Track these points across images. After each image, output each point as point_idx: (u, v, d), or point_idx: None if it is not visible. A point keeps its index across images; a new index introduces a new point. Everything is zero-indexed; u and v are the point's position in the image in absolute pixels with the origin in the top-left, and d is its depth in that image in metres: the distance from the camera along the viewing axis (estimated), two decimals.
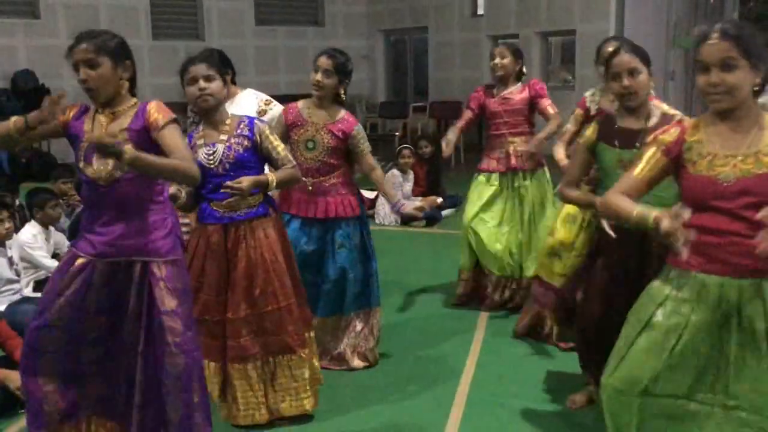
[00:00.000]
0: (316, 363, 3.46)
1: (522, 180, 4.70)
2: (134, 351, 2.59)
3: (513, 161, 4.66)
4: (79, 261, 2.58)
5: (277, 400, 3.28)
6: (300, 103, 3.86)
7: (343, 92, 3.80)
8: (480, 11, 12.91)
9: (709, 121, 2.27)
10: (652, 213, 2.13)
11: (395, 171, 7.84)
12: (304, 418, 3.40)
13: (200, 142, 3.14)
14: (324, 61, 3.70)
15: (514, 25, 12.02)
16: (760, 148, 2.18)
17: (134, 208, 2.55)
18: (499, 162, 4.72)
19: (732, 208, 2.10)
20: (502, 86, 4.68)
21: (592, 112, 4.03)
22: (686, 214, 2.11)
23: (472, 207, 4.78)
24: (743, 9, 11.05)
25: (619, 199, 2.27)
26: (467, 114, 4.83)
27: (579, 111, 4.11)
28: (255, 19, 13.56)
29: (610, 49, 3.56)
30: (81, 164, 2.57)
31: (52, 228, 4.80)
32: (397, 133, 12.24)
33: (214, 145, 3.12)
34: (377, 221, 7.57)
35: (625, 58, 2.91)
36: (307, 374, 3.30)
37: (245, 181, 2.93)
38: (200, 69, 3.05)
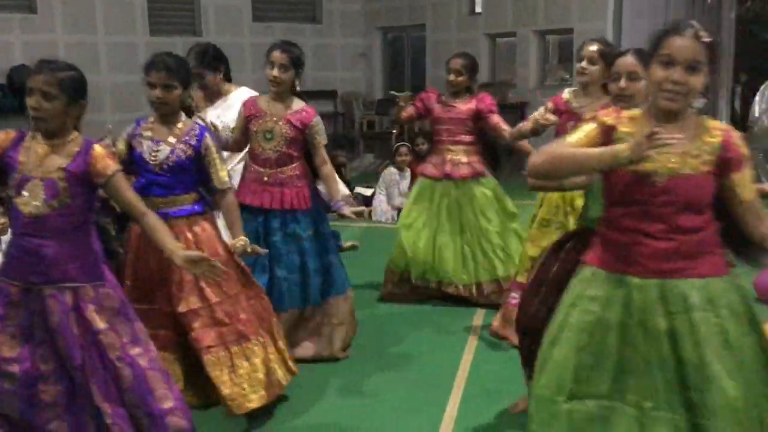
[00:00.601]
0: (284, 350, 3.47)
1: (459, 187, 4.82)
2: (85, 375, 2.60)
3: (448, 168, 4.77)
4: (12, 289, 2.60)
5: (239, 389, 3.29)
6: (259, 97, 3.93)
7: (298, 84, 3.86)
8: (478, 9, 12.89)
9: (645, 116, 2.22)
10: (621, 145, 2.04)
11: (392, 169, 7.84)
12: (296, 414, 3.40)
13: (147, 134, 3.23)
14: (279, 56, 3.79)
15: (512, 24, 12.01)
16: (689, 150, 2.16)
17: (61, 238, 2.57)
18: (435, 167, 4.82)
19: (651, 207, 2.08)
20: (452, 97, 4.87)
21: (563, 109, 4.09)
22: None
23: (407, 209, 4.96)
24: (740, 9, 11.06)
25: (561, 147, 2.16)
26: (412, 108, 4.98)
27: (551, 104, 4.16)
28: (252, 15, 13.52)
29: (592, 48, 3.64)
30: (12, 193, 2.60)
31: None
32: (394, 131, 12.23)
33: (160, 143, 3.22)
34: (374, 218, 7.57)
35: (629, 61, 2.90)
36: (259, 360, 3.32)
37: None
38: (161, 77, 3.12)
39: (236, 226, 3.32)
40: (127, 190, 2.63)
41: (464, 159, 4.79)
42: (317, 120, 3.86)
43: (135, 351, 2.63)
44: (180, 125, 3.22)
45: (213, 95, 4.10)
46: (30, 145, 2.57)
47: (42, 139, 2.57)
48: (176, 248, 2.68)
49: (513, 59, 12.38)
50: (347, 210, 3.90)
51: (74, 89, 2.55)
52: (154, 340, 3.13)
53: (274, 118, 3.80)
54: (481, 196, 4.82)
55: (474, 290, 4.83)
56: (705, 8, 10.79)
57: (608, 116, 2.25)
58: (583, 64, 3.82)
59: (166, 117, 3.21)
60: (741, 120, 11.05)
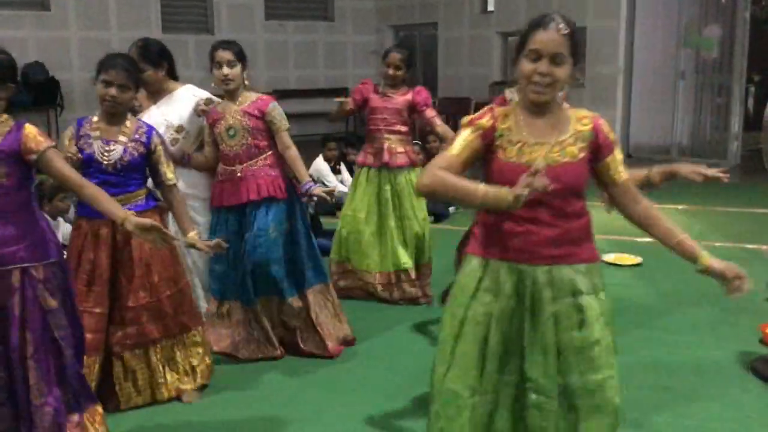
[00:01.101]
0: (209, 343, 3.69)
1: (395, 175, 4.93)
2: (23, 356, 2.62)
3: (386, 157, 4.88)
4: None
5: (174, 378, 3.50)
6: (216, 104, 3.94)
7: (246, 78, 3.87)
8: (490, 7, 12.88)
9: (519, 110, 2.31)
10: (504, 189, 2.10)
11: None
12: (301, 409, 3.42)
13: (96, 134, 3.26)
14: (223, 54, 3.79)
15: (524, 22, 11.98)
16: (565, 138, 2.25)
17: (4, 218, 2.59)
18: (374, 156, 4.95)
19: (537, 195, 2.10)
20: (389, 88, 4.94)
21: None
22: (540, 167, 2.06)
23: (349, 200, 5.03)
24: (755, 9, 10.99)
25: (450, 176, 2.21)
26: (350, 101, 5.09)
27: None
28: (265, 13, 13.55)
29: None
30: None
31: (60, 219, 4.83)
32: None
33: (110, 143, 3.27)
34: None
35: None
36: (201, 350, 3.57)
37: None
38: (119, 77, 3.18)
39: (186, 219, 3.44)
40: (62, 165, 2.66)
41: (400, 148, 4.91)
42: (273, 105, 3.89)
43: (74, 333, 2.72)
44: (128, 124, 3.30)
45: (155, 93, 4.01)
46: None
47: None
48: (126, 215, 2.71)
49: None
50: (318, 190, 3.91)
51: (2, 73, 2.58)
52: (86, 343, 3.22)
53: (232, 114, 3.83)
54: (409, 184, 4.93)
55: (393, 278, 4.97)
56: (719, 7, 10.73)
57: (483, 118, 2.32)
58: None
59: (115, 117, 3.27)
60: (754, 119, 10.99)
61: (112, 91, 3.19)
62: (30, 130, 2.59)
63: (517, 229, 2.24)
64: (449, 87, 13.40)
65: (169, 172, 3.39)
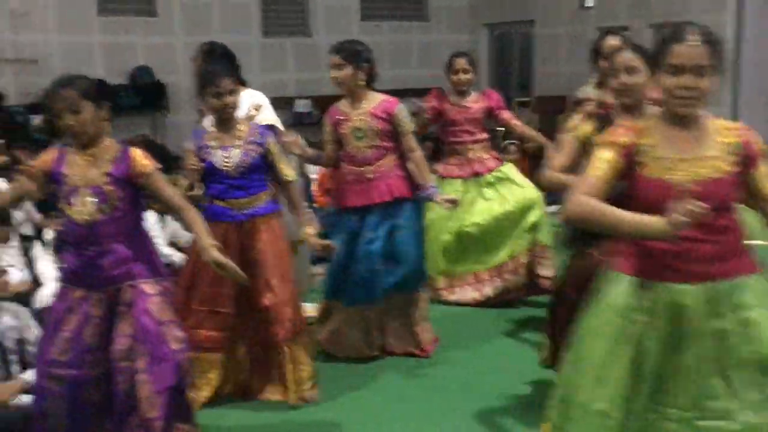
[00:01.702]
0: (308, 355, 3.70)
1: (486, 179, 4.94)
2: (128, 374, 2.71)
3: (476, 167, 4.93)
4: (76, 295, 2.74)
5: (296, 378, 3.56)
6: (339, 102, 3.95)
7: (364, 78, 3.85)
8: (589, 3, 12.54)
9: (658, 124, 2.23)
10: (658, 220, 2.04)
11: None
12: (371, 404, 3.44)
13: (213, 143, 3.36)
14: (332, 58, 3.81)
15: (625, 17, 11.61)
16: (712, 153, 2.17)
17: (117, 241, 2.70)
18: (462, 168, 4.95)
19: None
20: (460, 96, 4.95)
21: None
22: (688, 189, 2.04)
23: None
24: None
25: (599, 204, 2.16)
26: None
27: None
28: (361, 14, 13.68)
29: (612, 43, 3.61)
30: (63, 206, 2.74)
31: (168, 217, 5.01)
32: (501, 128, 12.09)
33: (229, 149, 3.38)
34: None
35: (627, 56, 2.92)
36: (306, 359, 3.61)
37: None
38: (228, 84, 3.25)
39: (304, 215, 3.52)
40: (165, 186, 2.78)
41: (485, 155, 4.85)
42: (400, 107, 3.90)
43: (180, 346, 2.77)
44: (242, 127, 3.39)
45: None
46: (72, 158, 2.73)
47: (82, 152, 2.72)
48: (210, 246, 2.76)
49: None
50: (439, 197, 3.84)
51: (97, 95, 2.72)
52: (209, 341, 3.42)
53: (359, 116, 3.79)
54: (505, 176, 4.96)
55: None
56: None
57: (622, 137, 2.25)
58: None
59: (228, 122, 3.37)
60: None
61: (225, 99, 3.26)
62: (136, 153, 2.71)
63: (672, 249, 2.18)
64: (546, 85, 13.14)
65: (286, 168, 3.44)
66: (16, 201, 2.94)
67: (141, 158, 2.71)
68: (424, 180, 3.95)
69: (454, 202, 3.95)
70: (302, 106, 11.27)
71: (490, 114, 4.96)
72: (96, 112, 2.68)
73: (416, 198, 4.00)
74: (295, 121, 10.61)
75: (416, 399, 3.62)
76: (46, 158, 2.76)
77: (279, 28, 12.88)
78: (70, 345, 2.67)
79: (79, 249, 2.73)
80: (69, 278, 2.77)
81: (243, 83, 3.95)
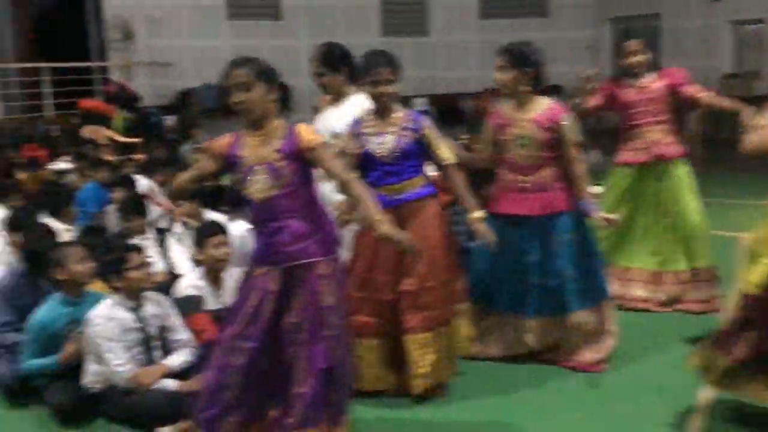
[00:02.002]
0: (463, 334, 3.63)
1: (668, 168, 4.55)
2: (293, 347, 2.77)
3: (658, 149, 4.52)
4: (258, 272, 2.82)
5: (425, 370, 3.43)
6: (503, 105, 3.86)
7: (528, 82, 3.71)
8: None
9: None
10: None
11: None
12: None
13: (369, 131, 3.39)
14: (496, 60, 3.72)
15: (759, 9, 11.00)
16: None
17: (293, 217, 2.77)
18: (639, 153, 4.55)
19: None
20: (635, 78, 4.59)
21: None
22: None
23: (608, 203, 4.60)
24: None
25: None
26: (599, 97, 4.70)
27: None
28: (479, 12, 13.63)
29: None
30: (242, 185, 2.83)
31: None
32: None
33: (383, 135, 3.39)
34: None
35: None
36: (450, 345, 3.52)
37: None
38: (387, 72, 3.33)
39: (467, 198, 3.45)
40: (332, 160, 2.81)
41: (669, 138, 4.54)
42: (567, 116, 3.73)
43: (336, 332, 2.81)
44: (397, 114, 3.42)
45: (336, 96, 3.90)
46: (246, 139, 2.83)
47: (253, 133, 2.81)
48: (382, 219, 2.74)
49: (760, 47, 11.33)
50: (597, 214, 3.71)
51: (270, 76, 2.77)
52: (367, 328, 3.39)
53: (523, 123, 3.72)
54: (684, 177, 4.55)
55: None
56: None
57: None
58: None
59: (384, 110, 3.42)
60: None
61: (381, 88, 3.36)
62: (302, 128, 2.80)
63: None
64: None
65: (444, 152, 3.42)
66: (197, 182, 3.06)
67: (307, 133, 2.77)
68: (582, 195, 3.75)
69: (612, 222, 3.76)
70: (420, 104, 11.38)
71: (673, 92, 4.55)
72: (266, 93, 2.77)
73: (577, 210, 3.76)
74: None
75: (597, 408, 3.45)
76: (223, 142, 2.89)
77: (397, 28, 13.04)
78: (250, 320, 2.79)
79: (260, 227, 2.86)
80: (255, 257, 2.89)
81: (358, 83, 3.98)
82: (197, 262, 4.67)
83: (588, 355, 3.83)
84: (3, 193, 5.86)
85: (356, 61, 3.81)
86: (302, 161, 2.77)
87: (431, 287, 3.40)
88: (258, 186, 2.77)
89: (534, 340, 3.85)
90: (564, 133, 3.69)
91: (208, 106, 11.61)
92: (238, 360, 2.76)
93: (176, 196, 3.01)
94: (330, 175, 2.83)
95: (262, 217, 2.82)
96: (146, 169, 7.13)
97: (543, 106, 3.74)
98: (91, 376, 3.42)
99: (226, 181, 7.08)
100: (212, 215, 5.46)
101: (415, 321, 3.40)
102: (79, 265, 3.59)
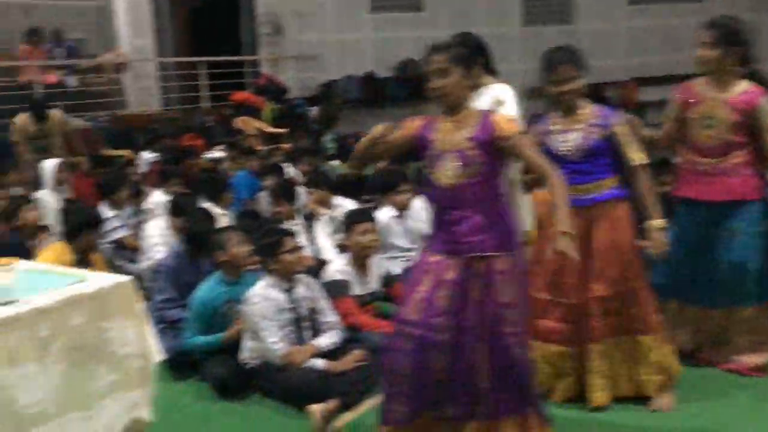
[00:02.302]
0: (667, 350, 3.32)
1: None
2: (473, 344, 2.71)
3: None
4: (433, 259, 2.78)
5: (635, 377, 3.26)
6: (696, 81, 3.62)
7: (734, 61, 3.45)
8: None
9: None
10: None
11: None
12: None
13: (555, 128, 3.26)
14: (702, 35, 3.47)
15: None
16: None
17: (476, 208, 2.71)
18: None
19: None
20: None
21: None
22: None
23: None
24: None
25: None
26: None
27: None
28: None
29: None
30: (429, 170, 2.80)
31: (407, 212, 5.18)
32: None
33: (569, 133, 3.24)
34: None
35: None
36: (655, 357, 3.26)
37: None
38: (565, 71, 3.17)
39: (650, 203, 3.23)
40: (530, 151, 2.73)
41: None
42: (764, 101, 3.44)
43: (523, 329, 2.75)
44: (584, 110, 3.27)
45: (472, 87, 3.84)
46: (440, 124, 2.81)
47: (448, 118, 2.79)
48: (566, 227, 2.64)
49: None
50: None
51: (467, 61, 2.72)
52: (552, 334, 3.26)
53: (715, 103, 3.49)
54: None
55: None
56: None
57: None
58: None
59: (570, 108, 3.26)
60: None
61: (562, 87, 3.22)
62: (499, 117, 2.77)
63: None
64: None
65: (632, 152, 3.22)
66: (381, 155, 3.07)
67: (504, 122, 2.72)
68: None
69: None
70: None
71: None
72: (463, 78, 2.75)
73: (765, 200, 3.52)
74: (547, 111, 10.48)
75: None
76: (415, 124, 2.89)
77: (540, 17, 12.77)
78: (421, 306, 2.76)
79: (441, 214, 2.83)
80: (431, 244, 2.87)
81: (493, 73, 3.91)
82: (342, 248, 4.84)
83: (752, 358, 3.61)
84: (163, 179, 6.29)
85: (491, 51, 3.79)
86: (495, 151, 2.71)
87: (621, 293, 3.22)
88: (446, 172, 2.73)
89: (694, 332, 3.66)
90: (759, 118, 3.45)
91: (350, 98, 11.89)
92: (408, 345, 2.73)
93: (355, 159, 3.00)
94: (530, 166, 2.77)
95: (445, 204, 2.78)
96: (292, 158, 7.43)
97: (741, 88, 3.48)
98: (248, 352, 3.62)
99: (369, 171, 7.30)
100: (344, 202, 5.65)
101: (602, 328, 3.22)
102: (238, 247, 3.80)
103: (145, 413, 2.56)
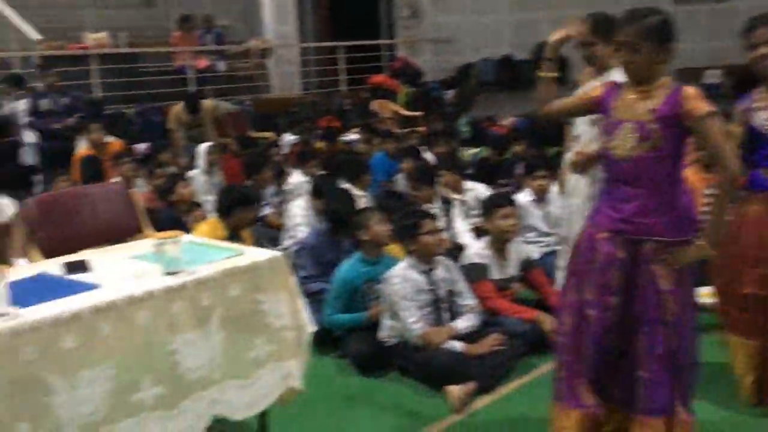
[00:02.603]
0: None
1: None
2: (635, 329, 2.60)
3: None
4: (600, 236, 2.64)
5: None
6: None
7: None
8: None
9: None
10: None
11: None
12: None
13: (758, 104, 3.02)
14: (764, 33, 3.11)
15: None
16: None
17: (650, 187, 2.54)
18: None
19: None
20: None
21: None
22: None
23: None
24: None
25: None
26: None
27: None
28: None
29: None
30: (604, 139, 2.66)
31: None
32: None
33: None
34: None
35: None
36: None
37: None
38: (761, 34, 2.92)
39: None
40: (719, 136, 2.50)
41: None
42: None
43: (686, 318, 2.61)
44: None
45: (600, 69, 3.59)
46: (623, 92, 2.65)
47: (632, 86, 2.62)
48: (709, 241, 2.51)
49: None
50: None
51: (659, 35, 2.53)
52: (740, 324, 3.10)
53: None
54: None
55: None
56: None
57: None
58: None
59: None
60: None
61: (759, 51, 2.97)
62: (690, 92, 2.53)
63: None
64: None
65: None
66: (566, 114, 3.04)
67: (694, 98, 2.49)
68: None
69: None
70: (711, 77, 10.47)
71: None
72: (654, 54, 2.55)
73: None
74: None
75: None
76: (600, 88, 2.78)
77: None
78: (593, 285, 2.67)
79: (611, 188, 2.69)
80: (596, 219, 2.74)
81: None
82: (478, 232, 4.83)
83: None
84: (302, 161, 6.51)
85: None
86: (678, 128, 2.52)
87: None
88: (621, 143, 2.57)
89: None
90: None
91: (486, 81, 11.79)
92: (585, 326, 2.66)
93: (544, 118, 2.90)
94: (712, 152, 2.54)
95: (616, 177, 2.63)
96: (427, 142, 7.47)
97: None
98: (387, 330, 3.70)
99: (508, 155, 7.22)
100: (476, 186, 5.61)
101: None
102: (380, 227, 3.89)
103: (298, 383, 2.68)
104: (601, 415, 2.69)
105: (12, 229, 2.96)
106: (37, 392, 2.01)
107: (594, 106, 2.75)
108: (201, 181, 6.27)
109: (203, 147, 6.52)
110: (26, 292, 2.22)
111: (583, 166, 3.60)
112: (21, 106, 7.53)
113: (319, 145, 7.97)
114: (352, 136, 8.53)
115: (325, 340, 3.90)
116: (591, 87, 2.76)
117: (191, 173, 6.30)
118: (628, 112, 2.58)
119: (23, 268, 2.63)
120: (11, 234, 2.95)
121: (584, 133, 3.65)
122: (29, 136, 7.44)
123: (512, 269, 4.08)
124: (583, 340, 2.67)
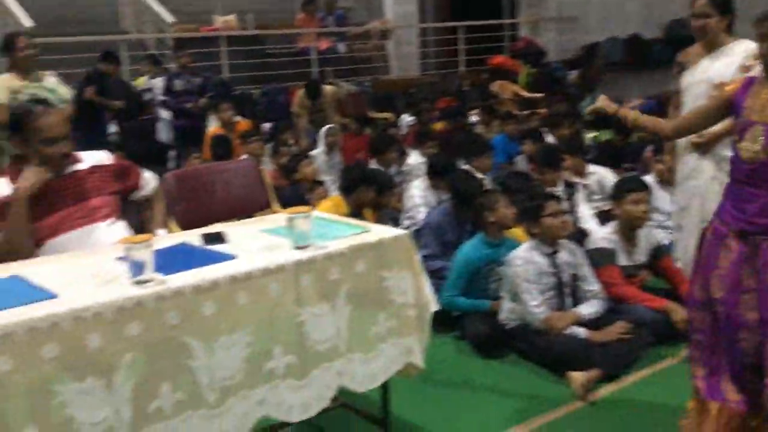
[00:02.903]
0: None
1: None
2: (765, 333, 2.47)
3: None
4: (727, 232, 2.56)
5: None
6: None
7: None
8: None
9: None
10: None
11: None
12: None
13: None
14: None
15: None
16: None
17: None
18: None
19: None
20: None
21: None
22: None
23: None
24: None
25: None
26: None
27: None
28: None
29: None
30: (735, 137, 2.53)
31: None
32: None
33: None
34: None
35: None
36: None
37: None
38: None
39: None
40: None
41: None
42: None
43: None
44: None
45: (711, 44, 3.47)
46: (757, 89, 2.52)
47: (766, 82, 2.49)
48: None
49: None
50: None
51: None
52: None
53: None
54: None
55: None
56: None
57: None
58: None
59: None
60: None
61: None
62: None
63: None
64: None
65: None
66: (697, 128, 2.92)
67: None
68: None
69: None
70: None
71: None
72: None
73: None
74: None
75: None
76: (735, 87, 2.65)
77: None
78: (722, 282, 2.59)
79: (736, 187, 2.59)
80: (723, 216, 2.65)
81: (729, 31, 3.48)
82: (604, 216, 4.68)
83: None
84: (420, 141, 6.52)
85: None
86: None
87: None
88: (749, 144, 2.46)
89: None
90: None
91: (612, 61, 11.36)
92: (718, 324, 2.59)
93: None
94: None
95: (741, 177, 2.54)
96: (548, 123, 7.29)
97: None
98: (507, 313, 3.67)
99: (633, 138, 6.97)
100: (599, 170, 5.42)
101: None
102: (507, 209, 3.84)
103: (419, 360, 2.71)
104: (745, 413, 2.56)
105: (154, 201, 3.13)
106: (180, 355, 2.12)
107: (726, 109, 2.62)
108: (321, 161, 6.41)
109: (323, 129, 6.69)
110: (169, 261, 2.34)
111: (705, 147, 3.51)
112: (158, 84, 7.94)
113: (437, 126, 7.96)
114: (471, 118, 8.47)
115: (443, 320, 3.92)
116: (730, 86, 2.60)
117: (313, 152, 6.46)
118: (758, 112, 2.46)
119: (165, 238, 2.77)
120: (154, 206, 3.12)
121: None
122: (163, 114, 7.84)
123: (641, 256, 3.93)
124: (719, 337, 2.57)
